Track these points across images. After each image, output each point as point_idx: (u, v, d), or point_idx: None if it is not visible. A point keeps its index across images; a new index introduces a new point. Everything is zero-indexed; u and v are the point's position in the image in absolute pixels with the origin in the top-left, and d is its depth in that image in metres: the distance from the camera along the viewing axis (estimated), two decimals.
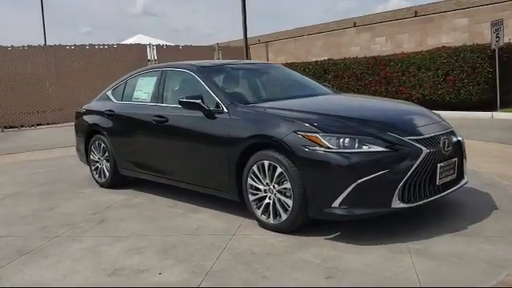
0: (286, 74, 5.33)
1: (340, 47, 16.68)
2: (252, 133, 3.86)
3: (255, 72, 5.15)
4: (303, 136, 3.51)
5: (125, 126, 5.39)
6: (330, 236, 3.64)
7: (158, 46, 17.18)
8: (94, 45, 15.90)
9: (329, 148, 3.40)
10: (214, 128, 4.21)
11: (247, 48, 18.71)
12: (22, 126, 14.87)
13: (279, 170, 3.65)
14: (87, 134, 5.97)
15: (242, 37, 18.52)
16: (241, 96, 4.48)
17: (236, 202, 4.20)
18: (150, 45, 16.93)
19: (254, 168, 3.85)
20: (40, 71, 15.05)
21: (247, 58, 17.64)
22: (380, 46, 15.39)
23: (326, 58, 15.32)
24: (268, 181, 3.78)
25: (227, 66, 5.09)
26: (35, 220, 4.62)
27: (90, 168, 6.03)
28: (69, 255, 3.62)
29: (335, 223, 3.74)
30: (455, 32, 13.46)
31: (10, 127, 14.68)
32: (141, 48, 16.83)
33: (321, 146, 3.42)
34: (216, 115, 4.22)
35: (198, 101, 4.24)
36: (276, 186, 3.72)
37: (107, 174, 5.72)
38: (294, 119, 3.67)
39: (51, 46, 15.30)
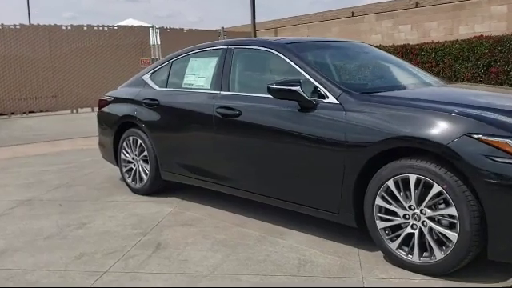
0: (385, 55, 4.21)
1: (359, 34, 15.61)
2: (388, 134, 2.76)
3: (351, 52, 4.02)
4: (484, 141, 2.43)
5: (174, 119, 4.24)
6: (505, 282, 2.59)
7: (162, 29, 15.86)
8: (93, 25, 14.54)
9: None
10: (318, 126, 3.10)
11: (255, 34, 17.54)
12: (12, 114, 13.52)
13: (436, 188, 2.57)
14: (118, 128, 4.81)
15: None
16: (354, 82, 3.37)
17: (332, 221, 3.16)
18: (153, 27, 15.61)
19: (389, 184, 2.76)
20: (33, 53, 13.65)
21: None
22: (404, 34, 14.37)
23: None
24: (413, 203, 2.70)
25: (318, 43, 3.95)
26: (66, 243, 3.47)
27: (121, 169, 4.88)
28: None
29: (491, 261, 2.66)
30: (491, 20, 12.49)
31: (0, 114, 13.32)
32: (143, 30, 15.51)
33: None
34: (320, 108, 3.12)
35: (297, 88, 3.12)
36: (427, 210, 2.65)
37: (145, 177, 4.58)
38: (462, 116, 2.58)
39: (46, 25, 13.87)
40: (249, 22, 18.48)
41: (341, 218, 3.06)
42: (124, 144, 4.76)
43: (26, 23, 15.57)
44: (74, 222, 3.93)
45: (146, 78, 4.73)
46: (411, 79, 3.75)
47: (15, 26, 13.49)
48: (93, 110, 14.32)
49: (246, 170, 3.67)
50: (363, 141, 2.85)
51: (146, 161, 4.56)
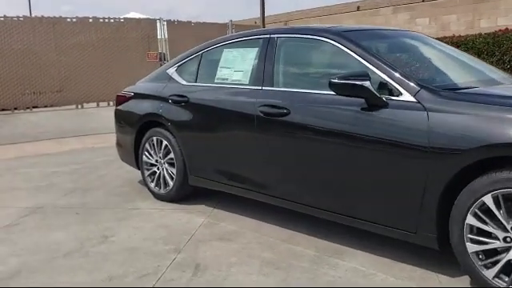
0: (447, 47, 3.71)
1: None
2: (486, 141, 2.28)
3: (413, 42, 3.50)
4: None
5: (206, 118, 3.77)
6: None
7: (169, 22, 15.31)
8: (98, 18, 13.99)
9: None
10: (391, 128, 2.63)
11: (264, 26, 17.03)
12: (15, 109, 12.99)
13: None
14: (139, 127, 4.33)
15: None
16: (429, 77, 2.88)
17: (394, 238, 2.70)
18: (160, 20, 15.07)
19: (486, 200, 2.29)
20: (37, 46, 13.11)
21: None
22: (422, 27, 13.86)
23: None
24: None
25: (374, 32, 3.45)
26: (89, 262, 3.00)
27: (142, 173, 4.41)
28: None
29: None
30: None
31: (3, 110, 12.80)
32: (150, 23, 14.96)
33: None
34: (393, 108, 2.64)
35: (366, 83, 2.65)
36: None
37: (171, 182, 4.11)
38: None
39: (50, 17, 13.32)
40: (250, 16, 18.06)
41: (419, 238, 2.59)
42: (146, 145, 4.28)
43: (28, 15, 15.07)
44: (94, 235, 3.47)
45: (172, 71, 4.25)
46: (488, 75, 3.26)
47: (18, 17, 12.96)
48: (98, 106, 13.86)
49: (295, 178, 3.19)
50: (454, 147, 2.37)
51: (171, 164, 4.09)
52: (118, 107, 4.71)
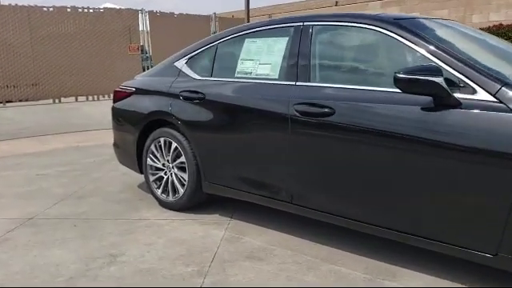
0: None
1: None
2: None
3: (469, 33, 3.12)
4: None
5: (226, 117, 3.31)
6: None
7: (151, 13, 14.68)
8: (77, 7, 13.29)
9: None
10: (468, 133, 2.23)
11: (249, 19, 16.56)
12: None
13: None
14: (143, 127, 3.84)
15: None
16: (507, 72, 2.49)
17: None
18: (142, 10, 14.43)
19: None
20: (11, 37, 12.36)
21: None
22: None
23: None
24: None
25: (429, 22, 3.03)
26: None
27: (147, 178, 3.92)
28: None
29: None
30: (508, 9, 11.84)
31: None
32: (131, 14, 14.30)
33: None
34: (467, 108, 2.25)
35: (439, 79, 2.25)
36: None
37: (181, 189, 3.64)
38: None
39: (25, 6, 12.55)
40: (228, 9, 17.67)
41: (500, 261, 2.21)
42: (152, 147, 3.80)
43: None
44: (100, 254, 2.98)
45: (181, 64, 3.77)
46: None
47: None
48: (77, 100, 13.21)
49: (342, 189, 2.76)
50: None
51: (182, 168, 3.62)
52: (117, 104, 4.20)
